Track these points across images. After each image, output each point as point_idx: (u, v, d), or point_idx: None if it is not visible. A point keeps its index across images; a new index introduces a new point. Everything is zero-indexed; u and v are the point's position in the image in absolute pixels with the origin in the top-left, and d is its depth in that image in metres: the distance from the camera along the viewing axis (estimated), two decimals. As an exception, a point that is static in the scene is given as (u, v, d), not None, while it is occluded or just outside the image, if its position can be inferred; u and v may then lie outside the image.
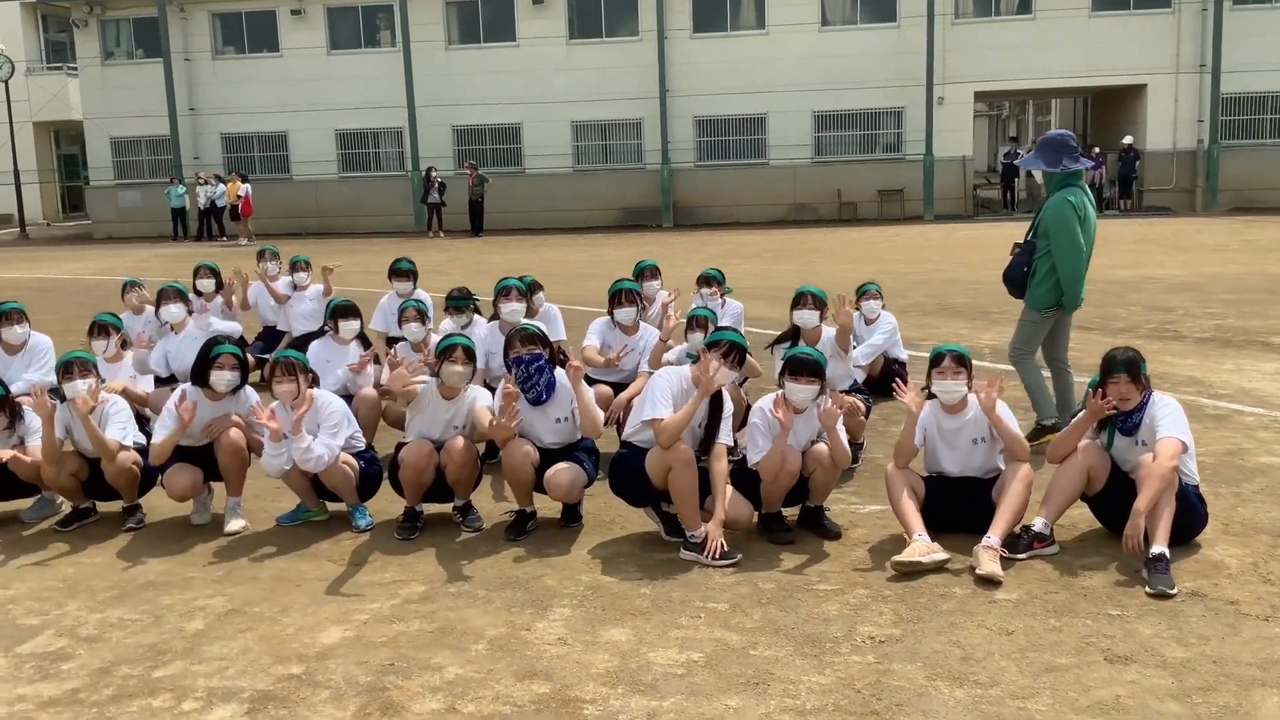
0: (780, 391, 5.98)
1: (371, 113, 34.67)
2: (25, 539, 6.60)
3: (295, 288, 10.99)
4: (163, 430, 6.40)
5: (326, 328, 8.37)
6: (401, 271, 10.34)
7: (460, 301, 9.77)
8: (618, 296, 7.85)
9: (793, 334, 7.62)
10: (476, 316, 9.73)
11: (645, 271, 9.61)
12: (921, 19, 31.54)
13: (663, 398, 5.79)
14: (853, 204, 33.02)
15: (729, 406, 5.99)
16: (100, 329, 8.24)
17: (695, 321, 7.56)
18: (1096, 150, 31.87)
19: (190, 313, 8.57)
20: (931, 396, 6.02)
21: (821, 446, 5.95)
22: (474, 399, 6.34)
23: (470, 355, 6.28)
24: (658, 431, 5.73)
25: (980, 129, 46.76)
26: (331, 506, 6.78)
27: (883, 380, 9.30)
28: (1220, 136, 31.55)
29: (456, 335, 6.35)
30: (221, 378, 6.47)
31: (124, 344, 8.41)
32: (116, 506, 6.86)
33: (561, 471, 6.10)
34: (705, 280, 9.79)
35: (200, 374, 6.51)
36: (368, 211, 34.64)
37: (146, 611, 5.40)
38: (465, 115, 34.26)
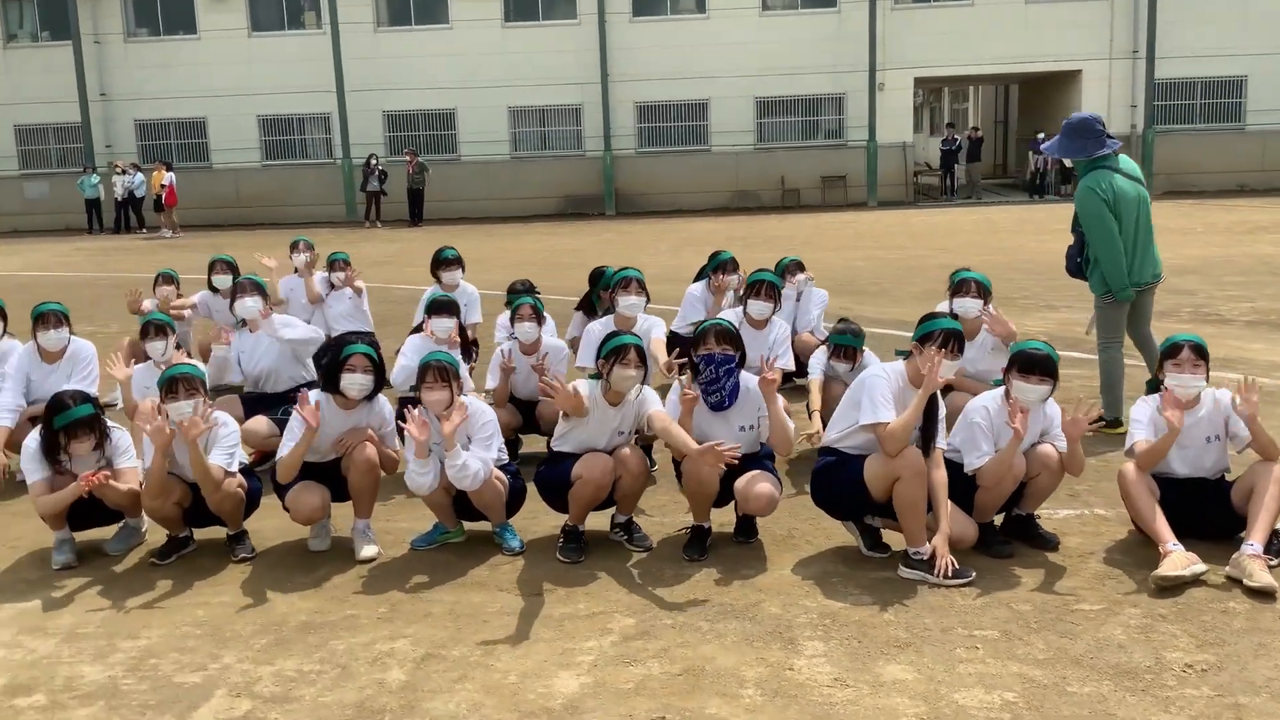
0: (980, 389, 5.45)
1: (296, 98, 33.30)
2: (123, 575, 5.75)
3: (333, 286, 10.09)
4: (289, 441, 5.62)
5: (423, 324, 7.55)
6: (449, 260, 9.58)
7: (521, 297, 9.07)
8: (757, 289, 7.20)
9: None
10: (538, 310, 9.02)
11: (726, 265, 9.01)
12: (862, 4, 31.37)
13: (884, 399, 5.21)
14: (795, 190, 32.73)
15: (943, 407, 5.43)
16: (157, 330, 7.31)
17: (841, 351, 6.96)
18: (1041, 135, 32.05)
19: (266, 306, 7.67)
20: (1155, 390, 5.55)
21: (1047, 448, 5.43)
22: (644, 401, 5.67)
23: (643, 357, 5.61)
24: (884, 438, 5.14)
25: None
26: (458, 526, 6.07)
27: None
28: (1154, 122, 31.98)
29: (627, 335, 5.65)
30: (354, 381, 5.70)
31: (179, 347, 7.51)
32: (213, 533, 6.05)
33: (761, 483, 5.48)
34: (799, 267, 9.21)
35: (331, 378, 5.73)
36: (295, 201, 33.28)
37: (324, 660, 4.65)
38: (396, 100, 33.10)
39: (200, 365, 7.29)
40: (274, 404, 7.38)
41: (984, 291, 7.11)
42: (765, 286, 7.21)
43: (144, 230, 31.26)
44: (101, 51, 33.35)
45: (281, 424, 7.18)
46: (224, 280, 9.94)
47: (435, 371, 5.56)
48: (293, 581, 5.55)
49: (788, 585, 5.26)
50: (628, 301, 7.14)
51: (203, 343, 9.62)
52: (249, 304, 7.53)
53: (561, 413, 5.70)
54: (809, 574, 5.38)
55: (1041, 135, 32.09)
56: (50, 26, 33.69)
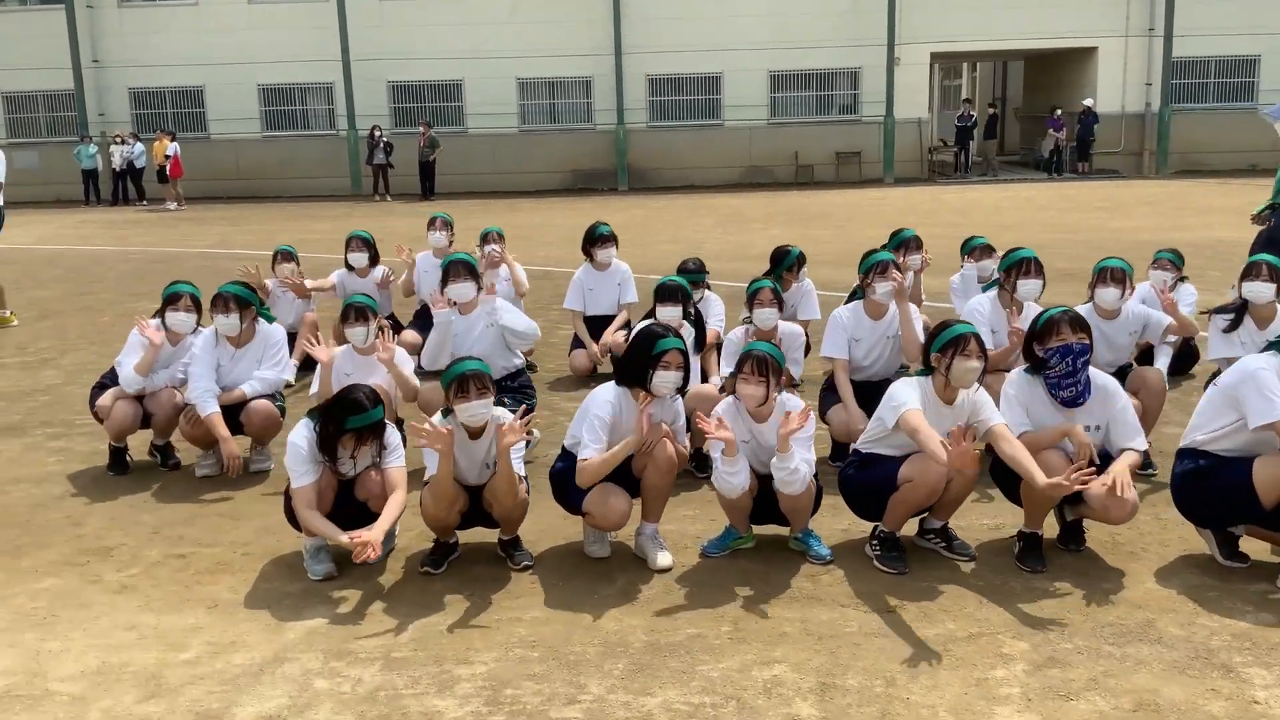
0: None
1: (298, 67, 32.28)
2: (398, 587, 5.16)
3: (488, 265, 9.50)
4: (594, 444, 5.06)
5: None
6: (604, 237, 9.05)
7: (696, 275, 8.58)
8: (1024, 267, 6.67)
9: (1239, 308, 6.64)
10: (707, 291, 8.59)
11: (909, 243, 8.54)
12: (880, -24, 30.90)
13: (1274, 391, 4.74)
14: (809, 166, 32.27)
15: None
16: (358, 313, 6.66)
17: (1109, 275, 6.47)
18: (1059, 112, 31.81)
19: (479, 290, 7.02)
20: None
21: None
22: (980, 405, 5.14)
23: (984, 347, 5.10)
24: (1290, 439, 4.68)
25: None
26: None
27: (1179, 360, 8.49)
28: (1170, 100, 31.80)
29: (962, 324, 5.12)
30: (668, 380, 5.14)
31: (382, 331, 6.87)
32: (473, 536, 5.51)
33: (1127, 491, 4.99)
34: (989, 250, 8.75)
35: (638, 373, 5.16)
36: (297, 173, 32.36)
37: (707, 690, 4.13)
38: (402, 70, 32.19)
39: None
40: (487, 394, 6.80)
41: (1277, 274, 6.67)
42: (1032, 264, 6.69)
43: (144, 202, 30.21)
44: (94, 16, 32.14)
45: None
46: (360, 258, 9.35)
47: (755, 363, 5.03)
48: (599, 594, 5.02)
49: (1165, 600, 4.80)
50: (885, 289, 6.58)
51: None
52: (463, 288, 6.90)
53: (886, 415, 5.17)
54: (1178, 587, 4.92)
55: (1060, 112, 31.87)
56: (40, -10, 32.47)
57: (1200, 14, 31.19)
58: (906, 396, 5.02)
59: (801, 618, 4.73)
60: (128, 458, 7.00)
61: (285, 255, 9.24)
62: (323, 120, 33.04)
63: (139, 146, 30.20)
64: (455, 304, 6.95)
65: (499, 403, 6.69)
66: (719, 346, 7.35)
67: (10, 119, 32.85)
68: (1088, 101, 31.32)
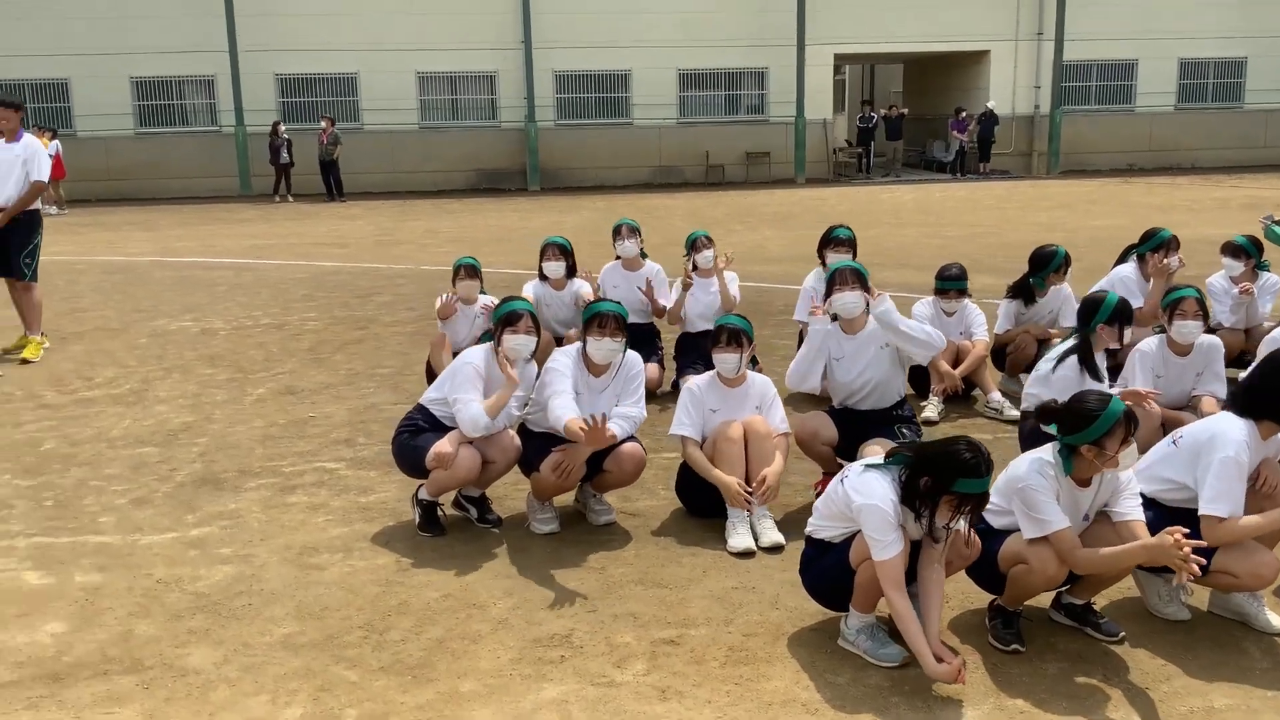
0: None
1: (175, 58, 29.87)
2: (997, 672, 4.30)
3: (695, 268, 8.55)
4: (1233, 499, 4.27)
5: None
6: (842, 241, 8.31)
7: (958, 283, 7.97)
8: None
9: None
10: (968, 301, 7.99)
11: (1169, 243, 8.11)
12: (787, -24, 30.75)
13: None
14: (720, 166, 31.88)
15: None
16: (731, 337, 5.66)
17: None
18: (965, 114, 32.33)
19: (868, 305, 5.98)
20: None
21: None
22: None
23: None
24: None
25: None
26: None
27: None
28: (1061, 103, 32.78)
29: None
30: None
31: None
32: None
33: None
34: (1234, 250, 8.36)
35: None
36: (175, 173, 29.98)
37: None
38: (291, 63, 30.18)
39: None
40: (876, 424, 5.91)
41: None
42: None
43: (12, 205, 27.28)
44: (-61, -1, 28.98)
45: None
46: (556, 268, 8.27)
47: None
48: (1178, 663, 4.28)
49: None
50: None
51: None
52: (849, 300, 5.94)
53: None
54: None
55: (965, 114, 32.42)
56: (-126, -32, 29.03)
57: (1083, 19, 32.24)
58: None
59: None
60: (440, 514, 5.82)
61: (469, 270, 8.02)
62: (204, 116, 30.70)
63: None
64: (836, 318, 5.99)
65: (901, 434, 5.87)
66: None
67: None
68: (990, 104, 31.97)
